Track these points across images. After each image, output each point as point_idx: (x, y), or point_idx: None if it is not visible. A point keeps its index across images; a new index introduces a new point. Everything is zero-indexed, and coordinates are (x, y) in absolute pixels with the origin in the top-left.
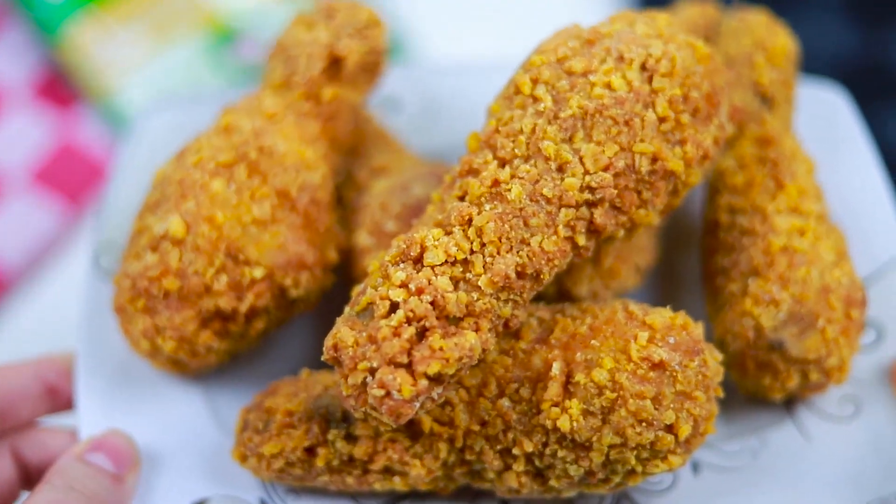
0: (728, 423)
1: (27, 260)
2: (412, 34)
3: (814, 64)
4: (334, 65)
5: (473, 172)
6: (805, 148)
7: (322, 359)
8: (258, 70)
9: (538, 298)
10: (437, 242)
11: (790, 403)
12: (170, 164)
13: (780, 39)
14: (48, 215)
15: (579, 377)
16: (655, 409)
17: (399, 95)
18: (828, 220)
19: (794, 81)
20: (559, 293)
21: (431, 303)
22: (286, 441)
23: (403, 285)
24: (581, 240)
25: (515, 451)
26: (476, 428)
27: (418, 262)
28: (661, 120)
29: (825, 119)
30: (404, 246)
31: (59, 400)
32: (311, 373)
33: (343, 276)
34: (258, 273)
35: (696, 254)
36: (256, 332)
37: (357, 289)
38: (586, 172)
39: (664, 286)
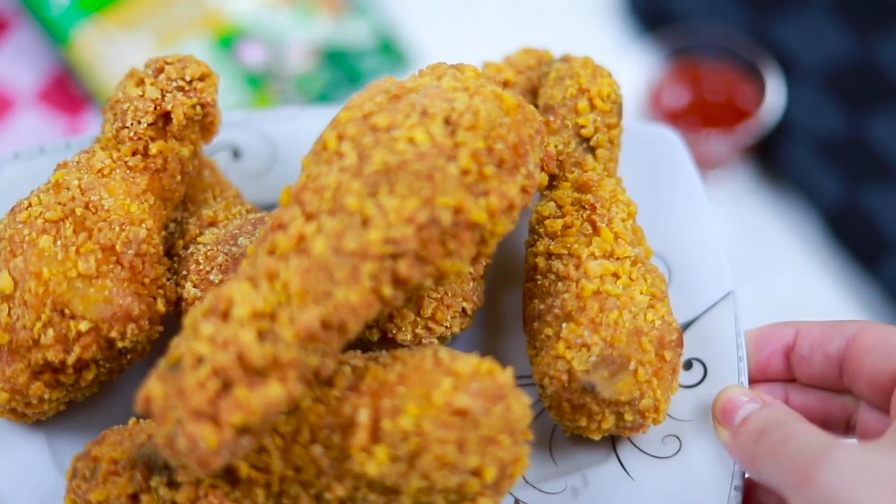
0: (556, 463)
1: None
2: (413, 42)
3: (806, 67)
4: (161, 119)
5: (282, 227)
6: (632, 190)
7: (136, 410)
8: (260, 73)
9: (362, 345)
10: (244, 297)
11: (614, 442)
12: (2, 221)
13: (605, 83)
14: None
15: (385, 423)
16: (459, 453)
17: (241, 143)
18: (646, 263)
19: (619, 124)
20: (382, 340)
21: (237, 356)
22: (111, 488)
23: (210, 339)
24: (387, 291)
25: (328, 495)
26: (291, 473)
27: (226, 315)
28: (464, 172)
29: (657, 158)
30: (214, 301)
31: None
32: (138, 421)
33: (175, 326)
34: (84, 326)
35: (521, 296)
36: (87, 382)
37: (174, 341)
38: (389, 226)
39: (490, 331)
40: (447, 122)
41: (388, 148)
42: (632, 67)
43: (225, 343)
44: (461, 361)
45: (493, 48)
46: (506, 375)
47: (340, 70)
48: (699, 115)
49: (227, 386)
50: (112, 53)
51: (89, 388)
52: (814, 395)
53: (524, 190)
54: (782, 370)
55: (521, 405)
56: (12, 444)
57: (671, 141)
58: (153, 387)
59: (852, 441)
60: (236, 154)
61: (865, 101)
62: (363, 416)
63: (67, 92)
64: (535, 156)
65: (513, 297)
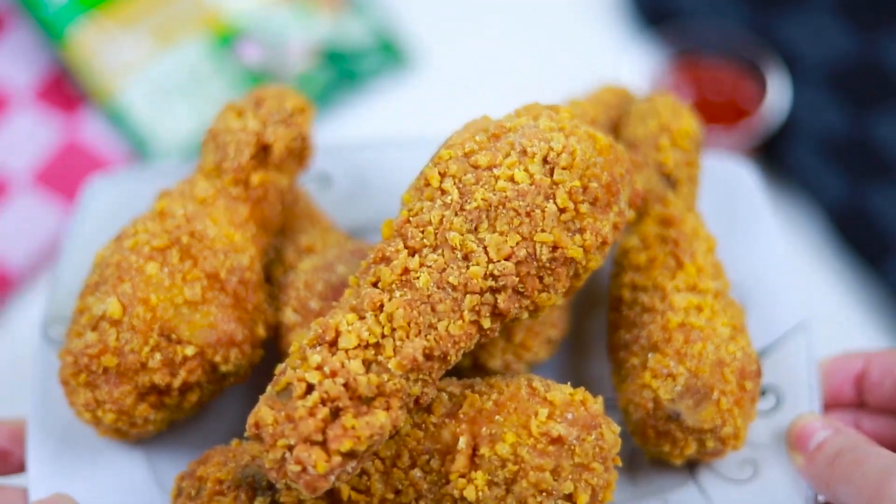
0: (634, 486)
1: (31, 260)
2: (412, 41)
3: (809, 66)
4: (262, 151)
5: (386, 260)
6: (709, 223)
7: (245, 435)
8: (258, 73)
9: (454, 370)
10: (350, 327)
11: (693, 466)
12: (108, 246)
13: (685, 122)
14: (53, 216)
15: (484, 450)
16: (554, 480)
17: (329, 171)
18: (726, 296)
19: (698, 161)
20: (474, 366)
21: (344, 384)
22: None
23: (319, 368)
24: (486, 323)
25: None
26: (390, 496)
27: (333, 345)
28: (561, 210)
29: (732, 192)
30: (320, 330)
31: (11, 463)
32: (240, 442)
33: (272, 349)
34: (190, 351)
35: (604, 321)
36: (190, 404)
37: (279, 367)
38: (490, 261)
39: (575, 355)
40: (545, 161)
41: (489, 186)
42: (634, 65)
43: (333, 372)
44: (556, 391)
45: (493, 48)
46: (598, 405)
47: (340, 70)
48: (701, 112)
49: (335, 413)
50: (109, 51)
51: (192, 409)
52: (884, 420)
53: (615, 227)
54: (853, 397)
55: (612, 434)
56: (115, 463)
57: (744, 174)
58: (263, 413)
59: None
60: (326, 181)
61: (869, 100)
62: (463, 443)
63: (64, 90)
64: (625, 194)
65: (593, 322)
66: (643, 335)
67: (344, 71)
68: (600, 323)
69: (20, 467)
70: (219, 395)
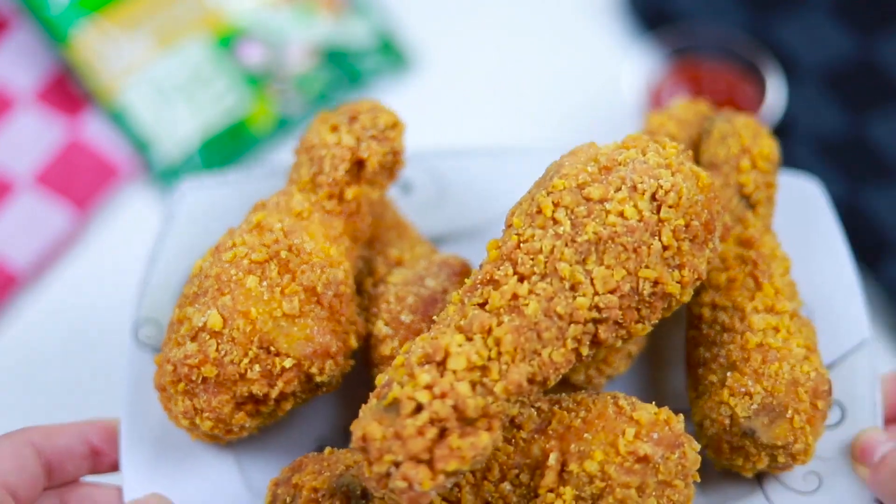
0: (704, 495)
1: (35, 260)
2: (413, 42)
3: (806, 67)
4: (356, 166)
5: (494, 283)
6: (782, 240)
7: (350, 447)
8: (259, 73)
9: None
10: (459, 349)
11: (760, 477)
12: (206, 257)
13: (765, 144)
14: (56, 216)
15: (573, 466)
16: (639, 496)
17: (411, 179)
18: (800, 316)
19: (776, 182)
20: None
21: (453, 406)
22: None
23: (428, 387)
24: (585, 350)
25: None
26: None
27: (441, 365)
28: (665, 248)
29: (804, 209)
30: (430, 350)
31: (103, 462)
32: (333, 451)
33: (361, 358)
34: (288, 363)
35: (679, 336)
36: (284, 412)
37: (381, 378)
38: (595, 293)
39: (650, 368)
40: (654, 198)
41: (600, 219)
42: (632, 67)
43: (443, 394)
44: (641, 411)
45: (494, 50)
46: (680, 424)
47: (340, 70)
48: None
49: (441, 433)
50: (111, 53)
51: (284, 415)
52: None
53: (709, 262)
54: None
55: (693, 452)
56: (206, 465)
57: (813, 192)
58: (372, 428)
59: None
60: (407, 188)
61: (866, 101)
62: (553, 460)
63: (67, 91)
64: (719, 230)
65: (668, 337)
66: (722, 353)
67: (345, 72)
68: (673, 337)
69: (113, 467)
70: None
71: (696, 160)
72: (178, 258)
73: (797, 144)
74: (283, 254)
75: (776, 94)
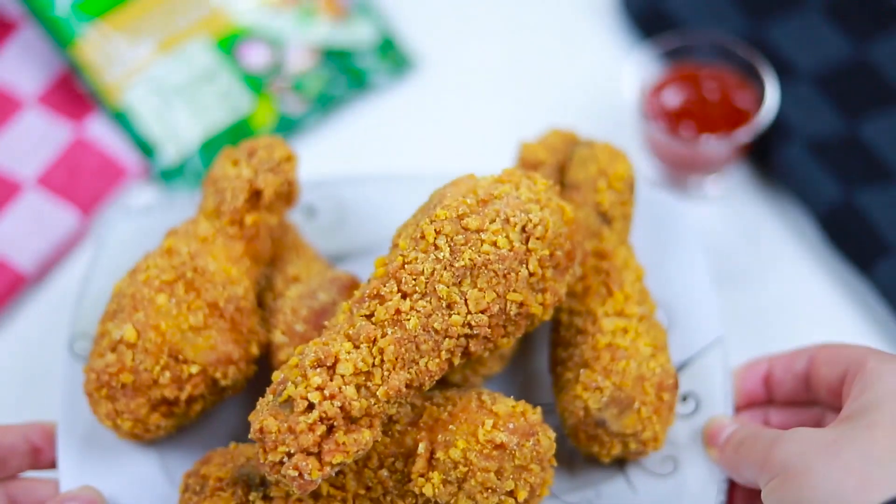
0: (572, 479)
1: (40, 261)
2: (415, 45)
3: (801, 70)
4: (254, 196)
5: (380, 298)
6: (642, 249)
7: (249, 436)
8: (261, 74)
9: None
10: (347, 356)
11: (622, 463)
12: (124, 279)
13: (620, 166)
14: (62, 216)
15: (440, 454)
16: (498, 479)
17: (314, 203)
18: (650, 319)
19: (631, 200)
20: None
21: (340, 407)
22: (217, 501)
23: (319, 389)
24: (456, 360)
25: None
26: (362, 492)
27: (331, 369)
28: (531, 274)
29: (665, 222)
30: (322, 355)
31: (42, 460)
32: (237, 445)
33: (263, 365)
34: (194, 369)
35: (548, 339)
36: (195, 413)
37: (277, 376)
38: (469, 312)
39: (522, 366)
40: (524, 230)
41: (476, 248)
42: (630, 71)
43: (332, 395)
44: (500, 404)
45: (494, 52)
46: (536, 415)
47: (342, 71)
48: (697, 118)
49: (329, 429)
50: (115, 55)
51: (196, 416)
52: (790, 412)
53: (568, 286)
54: (763, 395)
55: (548, 440)
56: (132, 461)
57: (674, 207)
58: (268, 422)
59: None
60: (311, 213)
61: (860, 103)
62: (422, 448)
63: (71, 94)
64: (579, 257)
65: (537, 340)
66: (577, 353)
67: (346, 73)
68: (543, 340)
69: (51, 464)
70: (219, 404)
71: (562, 182)
72: (107, 279)
73: (792, 146)
74: (189, 274)
75: (773, 97)
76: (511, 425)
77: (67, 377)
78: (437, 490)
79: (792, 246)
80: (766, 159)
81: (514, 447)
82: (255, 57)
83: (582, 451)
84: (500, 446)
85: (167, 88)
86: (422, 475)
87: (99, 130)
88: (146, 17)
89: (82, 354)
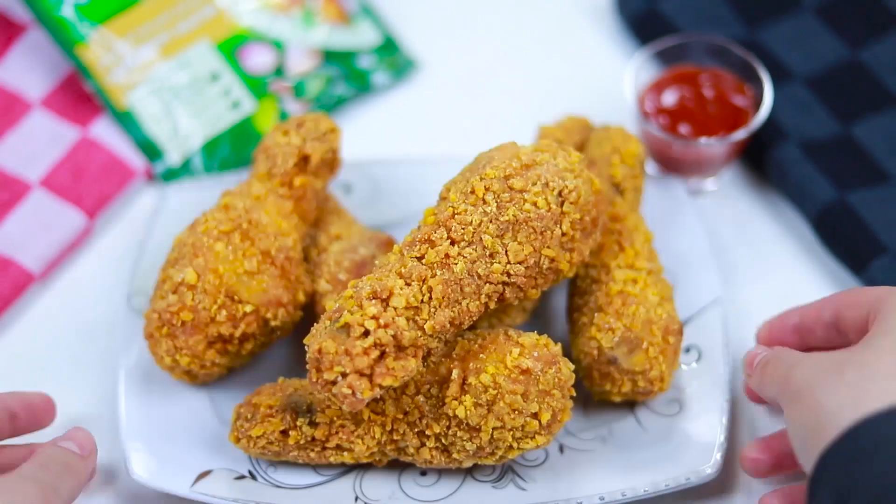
0: (586, 419)
1: (46, 260)
2: (417, 47)
3: (796, 72)
4: (302, 161)
5: (431, 243)
6: (652, 223)
7: (307, 357)
8: (264, 77)
9: None
10: (401, 291)
11: (632, 405)
12: (184, 232)
13: (633, 145)
14: (68, 217)
15: (471, 379)
16: (524, 401)
17: (351, 181)
18: (658, 275)
19: (642, 175)
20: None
21: (392, 335)
22: (267, 426)
23: (374, 318)
24: (492, 305)
25: (428, 432)
26: (400, 416)
27: (385, 301)
28: (563, 234)
29: (672, 201)
30: (378, 288)
31: (19, 426)
32: (284, 379)
33: (309, 312)
34: (248, 308)
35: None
36: (247, 352)
37: (331, 305)
38: (508, 262)
39: (542, 320)
40: (560, 194)
41: (519, 205)
42: (628, 73)
43: (386, 324)
44: (525, 336)
45: (495, 53)
46: (557, 347)
47: (344, 73)
48: (694, 120)
49: (381, 355)
50: (119, 58)
51: (247, 357)
52: None
53: (591, 249)
54: (797, 343)
55: (568, 368)
56: (186, 398)
57: (680, 189)
58: (327, 343)
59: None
60: (348, 189)
61: (854, 105)
62: (455, 375)
63: (76, 96)
64: (601, 225)
65: (557, 296)
66: (591, 300)
67: (348, 75)
68: (562, 296)
69: (25, 429)
70: (267, 349)
71: None
72: (162, 246)
73: (787, 148)
74: (244, 225)
75: (769, 99)
76: (535, 353)
77: (125, 328)
78: (468, 412)
79: (786, 246)
80: (761, 160)
81: (539, 373)
82: (258, 59)
83: (595, 394)
84: (526, 371)
85: (170, 90)
86: (455, 399)
87: (104, 131)
88: (149, 23)
89: (139, 309)
